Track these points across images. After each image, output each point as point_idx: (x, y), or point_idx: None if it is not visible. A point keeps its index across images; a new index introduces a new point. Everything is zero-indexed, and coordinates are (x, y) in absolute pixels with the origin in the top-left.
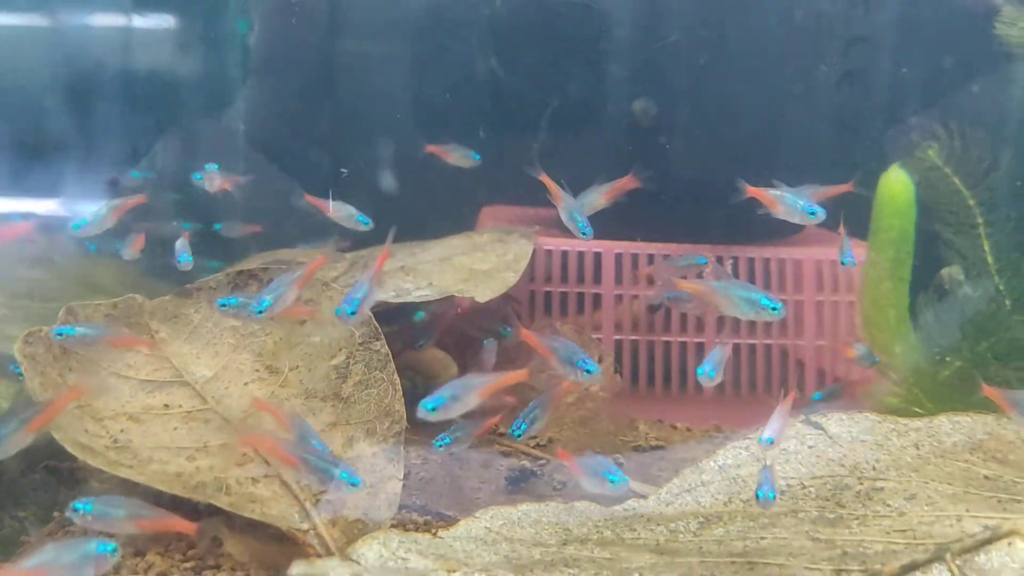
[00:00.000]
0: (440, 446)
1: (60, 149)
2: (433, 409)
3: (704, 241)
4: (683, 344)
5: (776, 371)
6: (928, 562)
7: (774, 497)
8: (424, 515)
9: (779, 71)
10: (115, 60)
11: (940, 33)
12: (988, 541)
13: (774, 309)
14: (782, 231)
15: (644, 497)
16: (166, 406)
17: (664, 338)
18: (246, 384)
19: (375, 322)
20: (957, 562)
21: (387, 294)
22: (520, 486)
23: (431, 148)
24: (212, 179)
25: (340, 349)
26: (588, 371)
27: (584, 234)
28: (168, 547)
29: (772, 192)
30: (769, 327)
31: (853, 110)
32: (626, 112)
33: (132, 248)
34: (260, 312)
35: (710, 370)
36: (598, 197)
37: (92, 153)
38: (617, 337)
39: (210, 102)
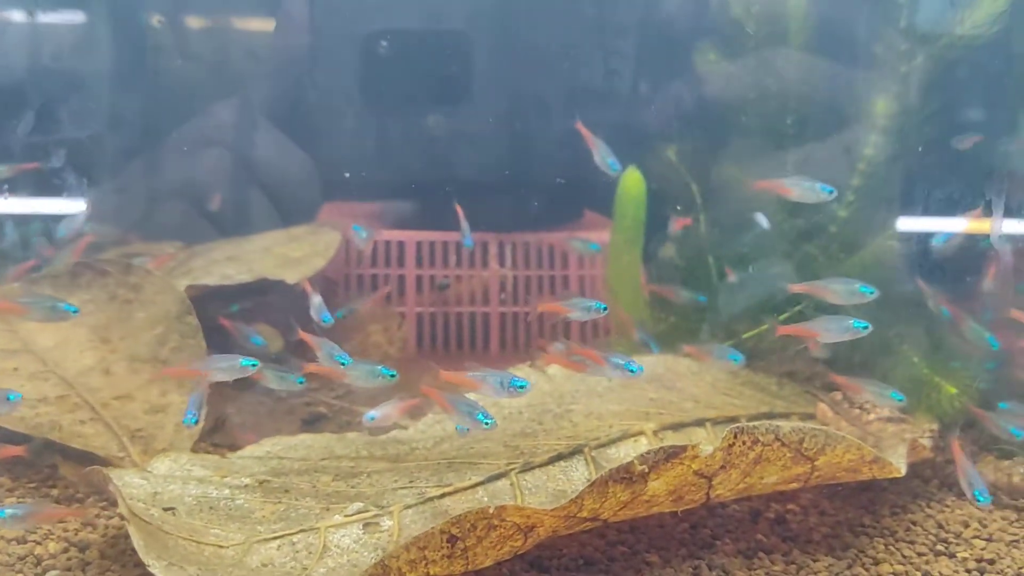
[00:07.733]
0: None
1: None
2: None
3: (496, 229)
4: (470, 314)
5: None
6: (571, 453)
7: (467, 430)
8: (230, 448)
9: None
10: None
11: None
12: (620, 439)
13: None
14: (563, 219)
15: (406, 428)
16: (15, 369)
17: (455, 309)
18: (81, 351)
19: (188, 301)
20: (592, 453)
21: (213, 278)
22: (313, 425)
23: None
24: None
25: (159, 322)
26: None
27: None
28: (16, 472)
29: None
30: (536, 297)
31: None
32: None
33: None
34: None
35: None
36: None
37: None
38: (418, 310)
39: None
